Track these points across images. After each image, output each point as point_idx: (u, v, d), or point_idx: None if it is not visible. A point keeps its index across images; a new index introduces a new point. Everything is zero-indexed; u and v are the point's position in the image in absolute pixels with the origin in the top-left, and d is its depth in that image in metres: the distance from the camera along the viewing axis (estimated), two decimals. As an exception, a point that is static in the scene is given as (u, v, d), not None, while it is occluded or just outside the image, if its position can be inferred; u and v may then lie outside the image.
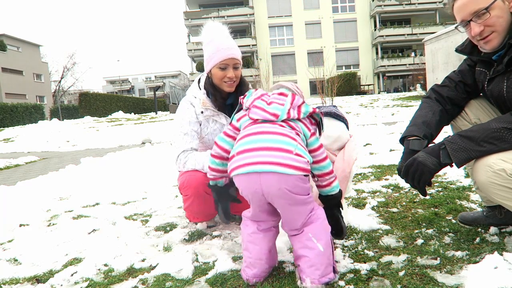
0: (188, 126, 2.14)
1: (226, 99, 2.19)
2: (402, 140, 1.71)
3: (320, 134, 1.59)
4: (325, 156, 1.52)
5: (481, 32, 1.49)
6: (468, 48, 1.68)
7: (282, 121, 1.46)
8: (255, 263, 1.49)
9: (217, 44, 2.04)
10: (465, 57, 1.79)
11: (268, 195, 1.38)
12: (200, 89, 2.19)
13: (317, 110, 1.54)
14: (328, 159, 1.54)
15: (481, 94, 1.75)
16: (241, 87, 2.19)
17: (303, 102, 1.52)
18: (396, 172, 1.68)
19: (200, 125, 2.19)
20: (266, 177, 1.34)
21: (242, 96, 1.60)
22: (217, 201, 1.85)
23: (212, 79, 2.14)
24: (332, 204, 1.62)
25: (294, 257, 1.51)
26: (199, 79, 2.24)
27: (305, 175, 1.38)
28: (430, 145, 1.61)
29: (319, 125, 1.59)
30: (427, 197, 2.39)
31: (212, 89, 2.15)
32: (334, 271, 1.45)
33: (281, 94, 1.54)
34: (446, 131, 1.90)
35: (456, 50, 1.74)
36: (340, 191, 1.63)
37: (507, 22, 1.47)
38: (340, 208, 1.68)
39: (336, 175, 1.59)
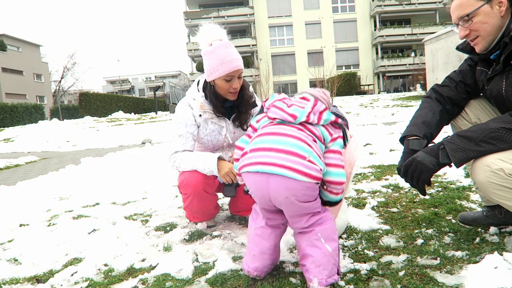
0: (184, 128, 2.13)
1: (225, 102, 2.18)
2: (402, 140, 1.71)
3: (344, 145, 1.52)
4: (341, 163, 1.43)
5: (467, 36, 1.57)
6: (469, 47, 1.68)
7: (301, 124, 1.42)
8: (258, 257, 1.49)
9: (221, 56, 1.98)
10: (465, 57, 1.80)
11: (275, 201, 1.36)
12: (199, 91, 2.18)
13: (339, 120, 1.47)
14: (344, 169, 1.45)
15: (481, 94, 1.75)
16: (244, 90, 2.18)
17: (326, 108, 1.46)
18: (396, 172, 1.68)
19: (199, 127, 2.19)
20: (274, 180, 1.31)
21: (264, 100, 1.58)
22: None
23: (215, 88, 2.10)
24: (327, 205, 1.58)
25: (299, 256, 1.48)
26: (199, 81, 2.23)
27: (316, 183, 1.34)
28: (429, 145, 1.61)
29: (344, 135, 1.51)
30: (427, 196, 2.39)
31: (214, 98, 2.12)
32: (338, 272, 1.45)
33: (303, 98, 1.50)
34: (446, 131, 1.90)
35: (457, 48, 1.75)
36: (340, 200, 1.59)
37: (494, 26, 1.51)
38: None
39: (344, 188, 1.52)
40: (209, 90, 2.13)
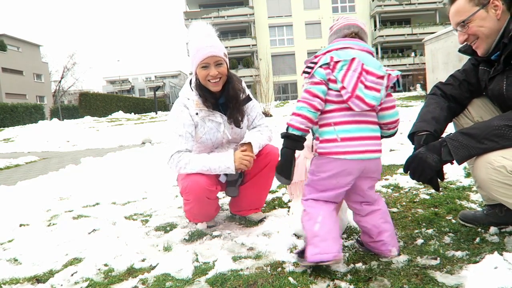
0: (182, 128, 2.11)
1: (217, 99, 2.17)
2: (411, 136, 1.72)
3: (395, 89, 1.71)
4: (394, 104, 1.68)
5: (466, 40, 1.61)
6: (470, 48, 1.70)
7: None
8: (337, 240, 1.57)
9: (197, 44, 2.04)
10: (466, 58, 1.81)
11: (364, 179, 1.61)
12: (192, 90, 2.17)
13: (398, 75, 1.62)
14: (396, 108, 1.69)
15: (484, 93, 1.76)
16: (230, 83, 2.16)
17: (396, 77, 1.61)
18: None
19: (196, 127, 2.15)
20: (370, 163, 1.58)
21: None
22: (283, 162, 1.58)
23: (198, 80, 2.13)
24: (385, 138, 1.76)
25: (374, 234, 1.64)
26: (190, 80, 2.22)
27: None
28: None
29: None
30: (427, 196, 2.39)
31: (200, 90, 2.13)
32: None
33: (380, 77, 1.57)
34: (446, 131, 1.90)
35: (459, 51, 1.77)
36: (396, 132, 1.76)
37: (491, 29, 1.53)
38: None
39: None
40: (195, 82, 2.16)
